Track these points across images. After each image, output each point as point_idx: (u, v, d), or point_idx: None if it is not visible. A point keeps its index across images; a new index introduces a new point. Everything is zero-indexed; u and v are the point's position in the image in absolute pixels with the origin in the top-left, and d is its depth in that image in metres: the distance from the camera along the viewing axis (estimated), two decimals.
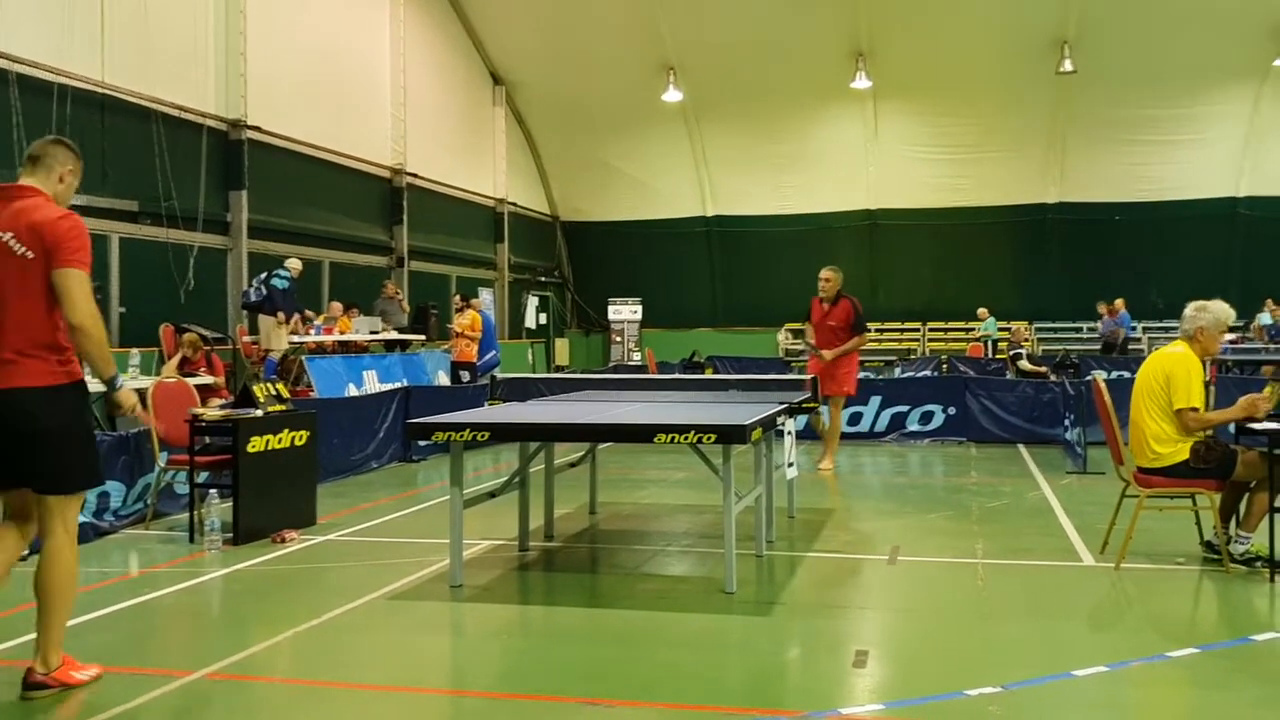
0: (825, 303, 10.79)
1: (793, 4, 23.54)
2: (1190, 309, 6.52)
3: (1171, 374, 6.30)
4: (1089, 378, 12.10)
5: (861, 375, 16.09)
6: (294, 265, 15.64)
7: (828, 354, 10.63)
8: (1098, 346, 23.55)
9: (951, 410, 13.25)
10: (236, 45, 16.74)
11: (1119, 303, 23.49)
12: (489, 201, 26.43)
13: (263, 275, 15.35)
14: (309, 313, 16.54)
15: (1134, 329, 24.46)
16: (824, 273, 10.87)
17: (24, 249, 4.33)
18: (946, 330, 27.45)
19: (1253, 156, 25.27)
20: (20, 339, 4.34)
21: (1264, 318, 22.26)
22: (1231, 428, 6.60)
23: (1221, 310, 6.50)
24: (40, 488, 4.41)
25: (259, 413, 7.62)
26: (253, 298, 15.12)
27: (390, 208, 21.84)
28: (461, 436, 5.95)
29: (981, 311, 24.81)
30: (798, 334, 23.70)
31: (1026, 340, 20.77)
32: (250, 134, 17.05)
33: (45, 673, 4.39)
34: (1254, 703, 4.36)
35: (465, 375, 15.89)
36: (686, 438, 5.66)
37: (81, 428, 4.54)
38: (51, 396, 4.38)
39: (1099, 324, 24.07)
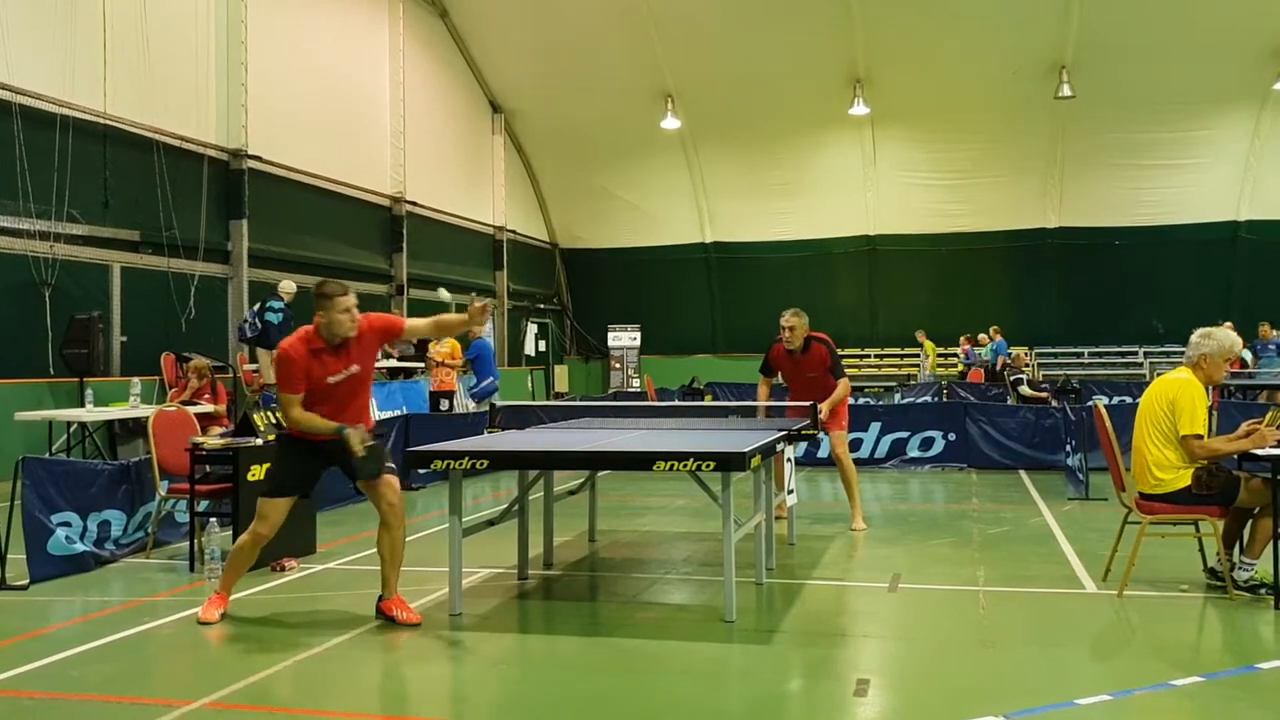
0: (795, 353, 8.99)
1: (790, 31, 23.67)
2: (1196, 335, 6.48)
3: (1176, 400, 6.25)
4: (1090, 403, 12.08)
5: (861, 401, 16.12)
6: (286, 288, 15.49)
7: (825, 408, 8.70)
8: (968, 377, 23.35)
9: (952, 436, 13.22)
10: (238, 76, 16.86)
11: (994, 330, 23.51)
12: (488, 229, 26.52)
13: (255, 308, 15.19)
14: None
15: (1010, 355, 24.31)
16: (787, 319, 8.89)
17: None
18: (946, 356, 27.42)
19: (1253, 180, 25.32)
20: None
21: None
22: None
23: (1226, 338, 6.46)
24: None
25: (259, 441, 7.61)
26: (248, 333, 14.97)
27: (390, 236, 21.93)
28: (460, 465, 5.95)
29: (982, 337, 24.82)
30: None
31: (1027, 365, 20.77)
32: (251, 163, 17.15)
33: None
34: None
35: (445, 404, 15.66)
36: (685, 465, 5.65)
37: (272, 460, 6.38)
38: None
39: (964, 351, 24.11)
